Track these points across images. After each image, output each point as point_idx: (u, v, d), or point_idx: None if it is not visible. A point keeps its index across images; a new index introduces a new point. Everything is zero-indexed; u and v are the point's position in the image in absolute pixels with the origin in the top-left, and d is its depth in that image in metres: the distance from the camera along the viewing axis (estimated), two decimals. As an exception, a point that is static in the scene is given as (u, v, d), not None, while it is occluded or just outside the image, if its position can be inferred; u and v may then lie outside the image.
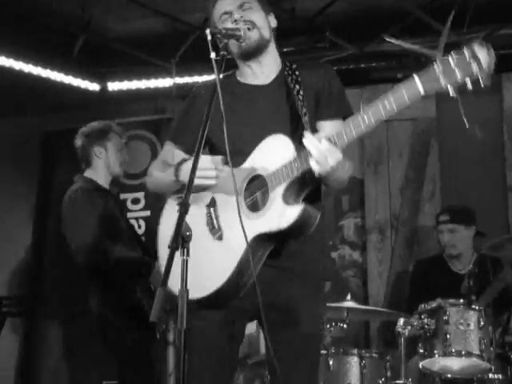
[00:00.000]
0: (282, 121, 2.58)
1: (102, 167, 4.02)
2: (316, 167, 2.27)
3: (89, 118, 6.27)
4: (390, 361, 3.83)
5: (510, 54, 5.11)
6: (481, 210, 4.97)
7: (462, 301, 3.56)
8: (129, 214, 6.01)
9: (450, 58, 2.03)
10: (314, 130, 2.52)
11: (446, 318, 3.53)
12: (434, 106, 5.60)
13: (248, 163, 2.51)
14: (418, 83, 2.08)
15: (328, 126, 2.55)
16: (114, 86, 6.01)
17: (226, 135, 2.30)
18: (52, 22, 5.08)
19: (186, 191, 2.07)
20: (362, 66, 5.45)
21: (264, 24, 2.62)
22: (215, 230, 2.46)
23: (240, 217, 2.27)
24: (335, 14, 5.09)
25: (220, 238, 2.43)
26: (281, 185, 2.38)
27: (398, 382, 3.50)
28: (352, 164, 2.51)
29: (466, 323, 3.50)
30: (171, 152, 2.72)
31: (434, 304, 3.58)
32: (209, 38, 2.33)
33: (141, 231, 5.91)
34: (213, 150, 2.64)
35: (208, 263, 2.41)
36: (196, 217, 2.47)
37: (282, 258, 2.48)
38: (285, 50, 5.20)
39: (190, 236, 2.02)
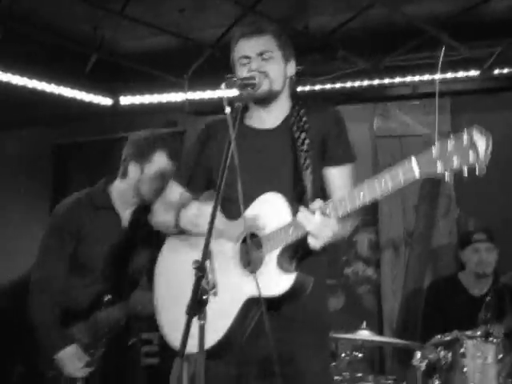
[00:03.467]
0: (284, 172, 2.58)
1: (130, 188, 3.56)
2: (312, 241, 2.28)
3: (99, 131, 6.34)
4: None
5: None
6: (498, 227, 4.94)
7: (479, 333, 3.52)
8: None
9: (448, 143, 2.01)
10: (316, 183, 2.53)
11: (462, 350, 3.49)
12: (449, 120, 5.55)
13: (244, 218, 2.47)
14: (414, 166, 2.07)
15: (334, 173, 2.59)
16: (126, 100, 6.02)
17: (240, 192, 2.25)
18: (65, 41, 5.06)
19: (202, 255, 2.05)
20: (376, 82, 5.39)
21: (279, 76, 2.61)
22: (211, 285, 2.41)
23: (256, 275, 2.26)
24: (348, 31, 5.04)
25: (215, 293, 2.40)
26: (276, 249, 2.38)
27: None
28: (356, 219, 2.47)
29: (484, 356, 3.47)
30: (175, 192, 2.74)
31: (450, 336, 3.54)
32: (224, 89, 2.30)
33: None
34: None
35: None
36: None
37: (286, 308, 2.46)
38: (298, 67, 5.19)
39: (207, 300, 2.00)
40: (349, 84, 5.41)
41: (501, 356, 3.49)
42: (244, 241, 2.48)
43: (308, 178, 2.51)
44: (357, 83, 5.39)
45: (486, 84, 5.26)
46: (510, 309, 3.77)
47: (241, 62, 2.62)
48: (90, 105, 5.90)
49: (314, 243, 2.29)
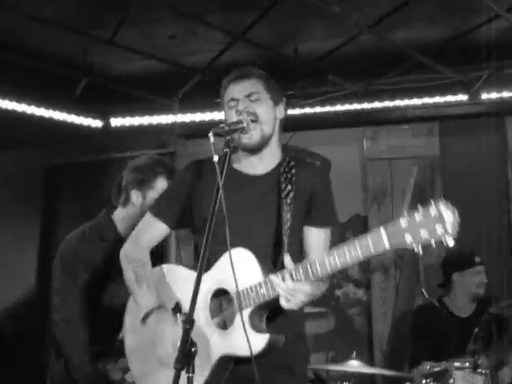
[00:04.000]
0: (264, 224, 2.57)
1: (133, 214, 3.49)
2: (284, 304, 2.31)
3: (90, 153, 6.34)
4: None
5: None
6: (485, 249, 4.97)
7: (467, 364, 3.54)
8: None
9: (416, 216, 2.05)
10: (294, 236, 2.55)
11: (451, 381, 3.52)
12: (438, 143, 5.60)
13: (215, 271, 2.47)
14: (384, 237, 2.11)
15: (314, 234, 2.62)
16: (116, 121, 6.02)
17: (228, 239, 2.26)
18: (54, 66, 5.06)
19: (189, 308, 2.05)
20: (365, 105, 5.42)
21: (268, 118, 2.60)
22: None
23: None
24: (338, 56, 5.07)
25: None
26: (247, 308, 2.37)
27: None
28: (326, 283, 2.50)
29: (472, 387, 3.49)
30: (149, 225, 2.74)
31: (439, 367, 3.56)
32: (212, 140, 2.30)
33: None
34: (195, 231, 2.66)
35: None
36: (163, 321, 2.55)
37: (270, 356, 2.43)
38: (288, 93, 5.22)
39: (195, 352, 2.01)
40: (338, 107, 5.44)
41: (488, 387, 3.51)
42: (215, 295, 2.46)
43: (286, 232, 2.51)
44: (346, 106, 5.42)
45: (475, 108, 5.30)
46: (497, 340, 3.80)
47: (229, 106, 2.62)
48: (80, 127, 5.89)
49: (287, 306, 2.31)
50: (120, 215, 3.53)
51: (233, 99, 2.61)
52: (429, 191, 5.58)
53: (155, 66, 5.40)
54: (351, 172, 5.72)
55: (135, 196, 3.47)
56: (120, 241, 3.50)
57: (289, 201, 2.55)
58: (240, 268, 2.35)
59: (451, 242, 2.01)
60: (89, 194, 6.20)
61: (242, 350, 2.31)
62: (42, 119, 5.61)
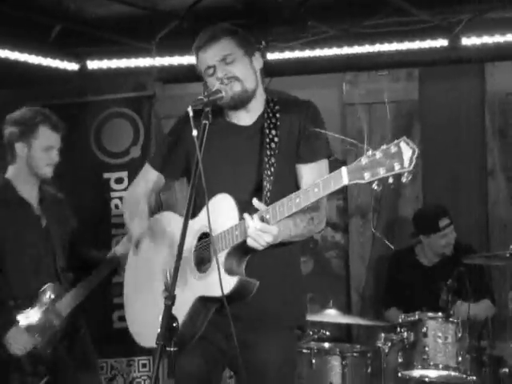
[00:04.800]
0: (248, 170, 2.65)
1: (24, 167, 3.65)
2: (251, 243, 2.40)
3: (67, 95, 6.24)
4: (371, 358, 3.97)
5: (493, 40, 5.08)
6: (461, 194, 5.06)
7: (440, 314, 3.67)
8: (112, 194, 6.04)
9: (377, 154, 2.17)
10: (282, 181, 2.61)
11: (424, 330, 3.65)
12: (417, 88, 5.60)
13: (200, 217, 2.58)
14: (344, 173, 2.24)
15: (307, 171, 2.65)
16: (93, 64, 5.92)
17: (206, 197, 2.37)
18: (29, 11, 4.94)
19: (171, 284, 2.11)
20: (344, 50, 5.36)
21: (248, 74, 2.64)
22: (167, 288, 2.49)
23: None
24: (318, 1, 5.00)
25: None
26: (223, 250, 2.47)
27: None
28: (311, 225, 2.58)
29: (444, 336, 3.63)
30: (151, 175, 2.87)
31: (413, 317, 3.69)
32: (191, 114, 2.32)
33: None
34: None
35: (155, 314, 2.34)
36: (153, 265, 2.67)
37: (249, 308, 2.55)
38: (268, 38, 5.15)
39: (176, 328, 2.07)
40: (318, 52, 5.38)
41: (460, 335, 3.65)
42: (200, 239, 2.57)
43: (268, 177, 2.58)
44: (325, 51, 5.35)
45: (454, 54, 5.28)
46: (470, 292, 3.93)
47: (207, 74, 2.64)
48: (56, 70, 5.80)
49: (253, 245, 2.40)
50: (13, 173, 3.65)
51: (209, 67, 2.63)
52: (406, 136, 5.59)
53: (133, 10, 5.29)
54: (330, 117, 5.63)
55: (20, 148, 3.59)
56: (23, 201, 3.60)
57: (273, 145, 2.61)
58: (221, 212, 2.48)
59: (408, 178, 2.12)
60: (68, 134, 6.13)
61: (214, 292, 2.39)
62: (15, 62, 5.52)
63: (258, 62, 2.71)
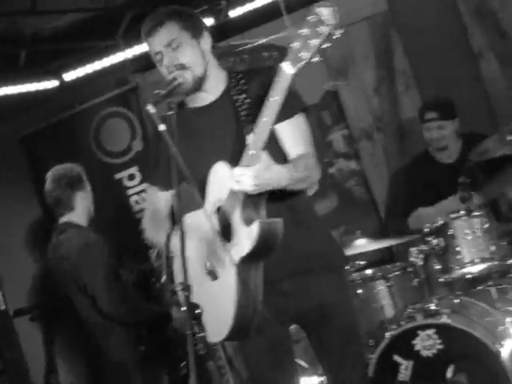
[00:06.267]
0: (230, 140, 2.64)
1: (84, 211, 4.20)
2: (236, 186, 2.39)
3: (56, 111, 6.28)
4: (413, 272, 4.01)
5: None
6: (454, 84, 5.02)
7: (462, 212, 3.67)
8: (128, 191, 6.14)
9: (301, 31, 2.22)
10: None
11: (451, 232, 3.67)
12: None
13: (209, 197, 2.58)
14: (287, 68, 2.29)
15: (284, 128, 2.63)
16: (70, 76, 5.98)
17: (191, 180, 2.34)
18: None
19: (183, 275, 2.18)
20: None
21: (196, 59, 2.63)
22: (211, 272, 2.54)
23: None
24: None
25: (215, 277, 2.53)
26: (236, 209, 2.45)
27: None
28: (307, 171, 2.58)
29: (472, 231, 3.65)
30: (159, 197, 2.84)
31: (437, 223, 3.71)
32: (152, 111, 2.34)
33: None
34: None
35: (214, 305, 2.45)
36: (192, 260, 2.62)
37: (293, 262, 2.62)
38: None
39: (200, 313, 2.17)
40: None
41: (487, 225, 3.66)
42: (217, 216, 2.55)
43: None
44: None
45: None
46: (484, 181, 3.92)
47: (156, 60, 2.66)
48: (37, 93, 5.88)
49: (236, 187, 2.39)
50: (73, 220, 4.12)
51: (156, 53, 2.64)
52: (389, 48, 5.56)
53: (87, 14, 5.32)
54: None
55: (81, 196, 4.15)
56: None
57: (246, 112, 2.60)
58: (221, 179, 2.51)
59: (337, 32, 2.21)
60: (68, 149, 6.16)
61: (245, 248, 2.41)
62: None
63: (206, 43, 2.68)
